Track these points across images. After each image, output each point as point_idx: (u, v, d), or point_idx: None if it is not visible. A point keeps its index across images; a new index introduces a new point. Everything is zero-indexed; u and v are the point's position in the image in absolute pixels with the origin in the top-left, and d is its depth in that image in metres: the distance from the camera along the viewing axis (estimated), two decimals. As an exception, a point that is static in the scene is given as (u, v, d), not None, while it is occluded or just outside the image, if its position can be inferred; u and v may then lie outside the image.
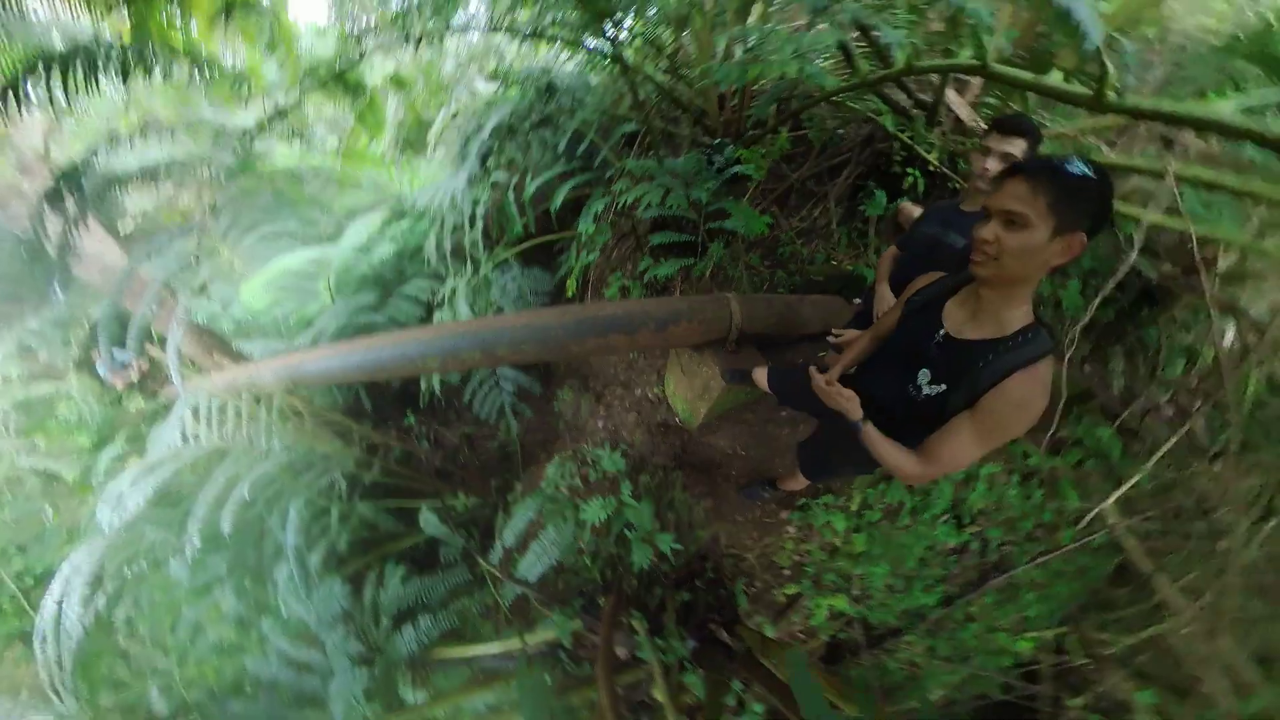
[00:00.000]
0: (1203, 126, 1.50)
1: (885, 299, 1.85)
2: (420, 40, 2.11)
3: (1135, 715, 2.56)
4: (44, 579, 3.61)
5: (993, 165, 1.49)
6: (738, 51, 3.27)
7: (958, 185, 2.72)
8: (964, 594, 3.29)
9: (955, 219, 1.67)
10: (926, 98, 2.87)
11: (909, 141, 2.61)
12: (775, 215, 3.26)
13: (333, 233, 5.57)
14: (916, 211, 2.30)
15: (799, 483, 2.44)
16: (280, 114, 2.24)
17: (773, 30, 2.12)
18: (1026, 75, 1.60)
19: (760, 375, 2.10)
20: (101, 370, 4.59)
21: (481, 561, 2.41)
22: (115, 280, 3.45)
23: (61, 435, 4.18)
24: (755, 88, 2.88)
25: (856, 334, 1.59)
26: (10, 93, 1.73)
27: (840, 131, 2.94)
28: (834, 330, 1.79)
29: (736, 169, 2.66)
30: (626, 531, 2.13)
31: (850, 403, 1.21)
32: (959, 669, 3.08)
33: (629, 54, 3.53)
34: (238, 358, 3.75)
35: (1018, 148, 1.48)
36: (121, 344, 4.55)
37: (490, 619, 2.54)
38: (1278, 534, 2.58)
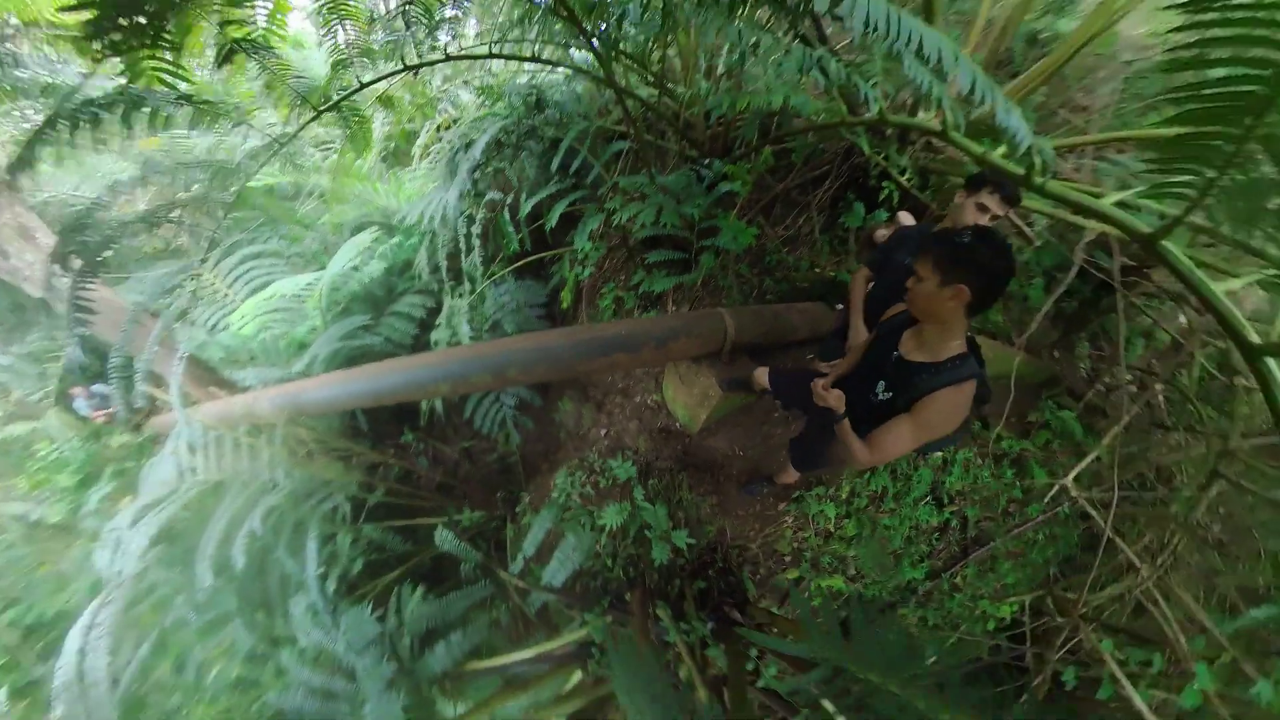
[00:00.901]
0: (1094, 215, 1.53)
1: (860, 331, 1.97)
2: (418, 70, 2.07)
3: (1105, 665, 2.73)
4: (36, 629, 3.38)
5: (982, 219, 1.62)
6: (719, 66, 3.34)
7: (923, 201, 2.87)
8: (948, 567, 3.51)
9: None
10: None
11: (883, 163, 2.73)
12: (761, 225, 3.33)
13: (318, 250, 5.39)
14: (884, 233, 2.41)
15: (791, 475, 2.56)
16: (279, 143, 2.16)
17: (752, 46, 2.18)
18: (975, 147, 1.68)
19: (761, 375, 2.19)
20: (80, 406, 4.32)
21: (503, 573, 2.41)
22: (107, 316, 3.27)
23: (42, 476, 3.92)
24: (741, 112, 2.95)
25: (843, 362, 1.84)
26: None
27: (822, 146, 3.05)
28: (823, 367, 1.92)
29: (724, 185, 2.71)
30: (646, 532, 2.18)
31: (839, 402, 1.48)
32: (949, 634, 3.27)
33: (616, 69, 3.55)
34: (230, 387, 3.60)
35: (1004, 210, 1.61)
36: (101, 378, 4.30)
37: (515, 626, 2.55)
38: (1223, 497, 2.85)
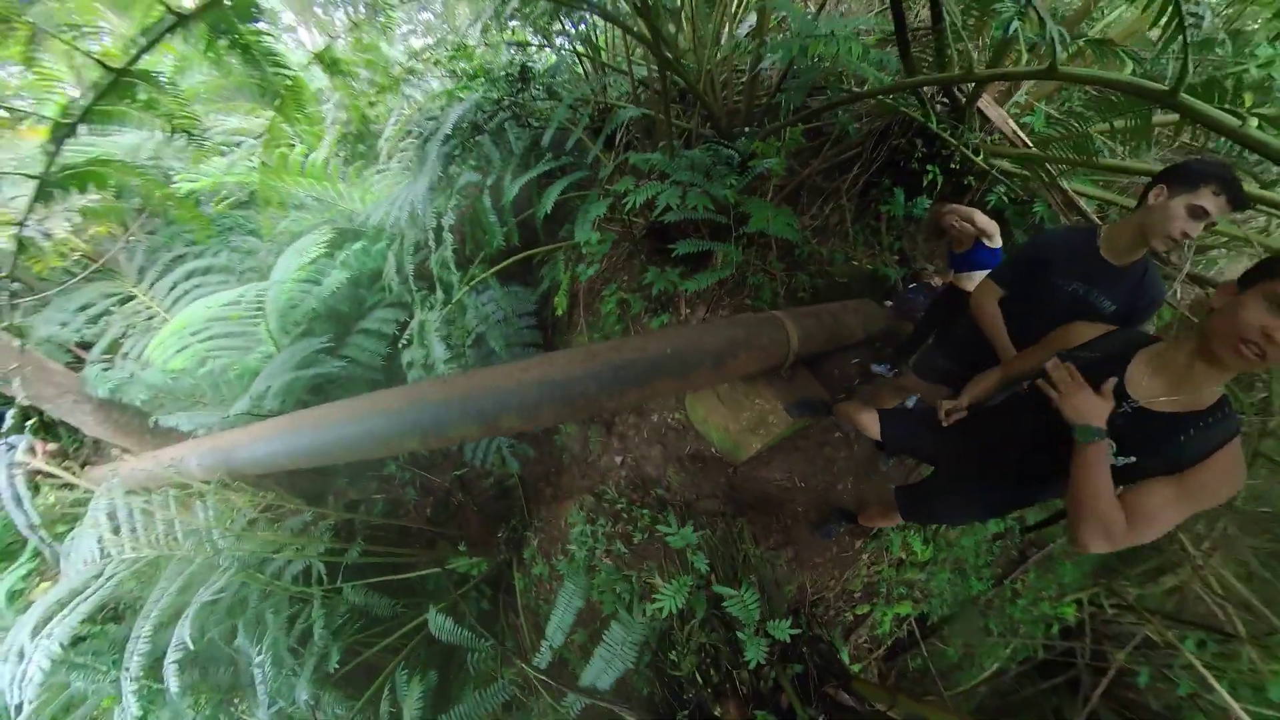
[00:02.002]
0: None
1: (1009, 349, 1.43)
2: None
3: (1178, 655, 2.56)
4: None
5: (1194, 229, 1.16)
6: (743, 29, 2.66)
7: (1011, 194, 2.29)
8: (1008, 573, 3.21)
9: (1101, 275, 1.31)
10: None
11: (953, 142, 2.11)
12: (787, 214, 2.72)
13: (275, 263, 4.56)
14: (983, 221, 1.83)
15: (891, 521, 1.96)
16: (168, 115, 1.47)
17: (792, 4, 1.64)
18: (1227, 119, 1.28)
19: (869, 420, 1.56)
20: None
21: (526, 668, 1.79)
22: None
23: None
24: (791, 71, 2.29)
25: (980, 388, 1.39)
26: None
27: (855, 125, 2.44)
28: (947, 405, 1.39)
29: (759, 164, 2.05)
30: (718, 612, 1.57)
31: (1099, 408, 1.02)
32: (1010, 640, 3.03)
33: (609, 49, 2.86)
34: (160, 436, 2.86)
35: (1225, 215, 1.16)
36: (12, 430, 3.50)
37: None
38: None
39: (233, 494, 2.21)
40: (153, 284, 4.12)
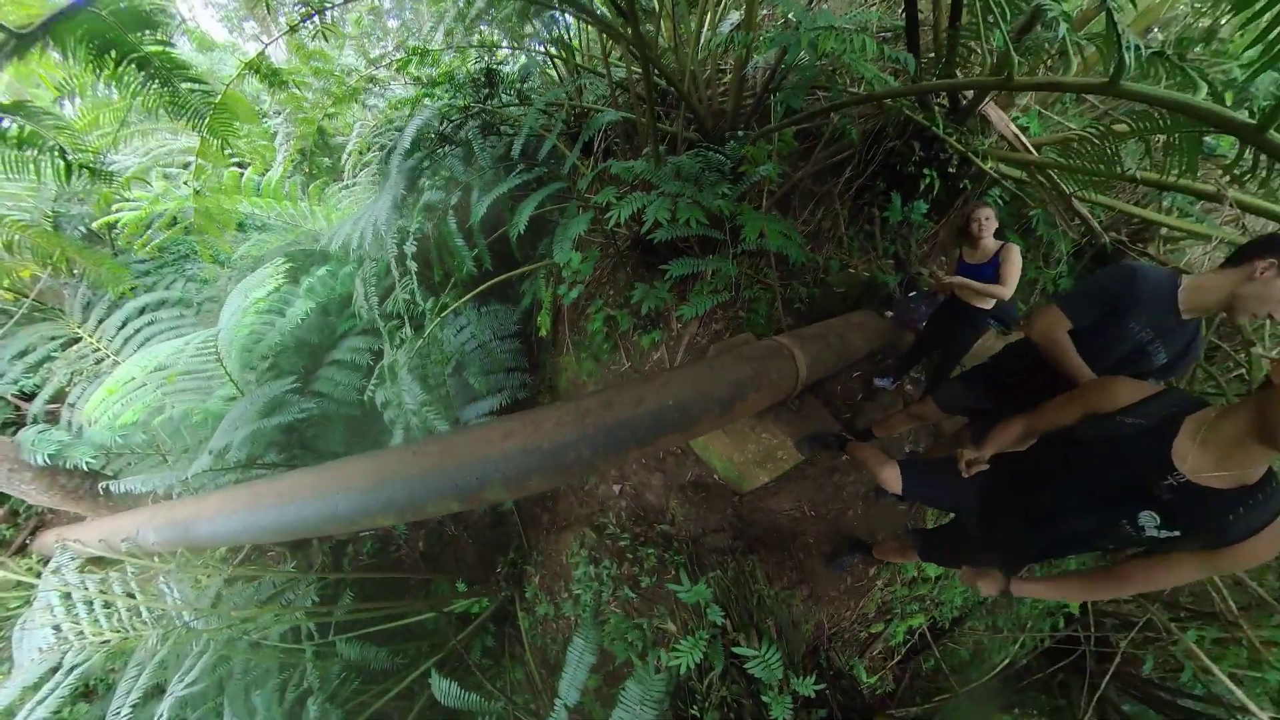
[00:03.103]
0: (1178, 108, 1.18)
1: (1088, 374, 1.29)
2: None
3: (1179, 642, 2.53)
4: None
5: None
6: (724, 28, 2.41)
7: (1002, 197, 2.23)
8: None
9: (1170, 328, 1.23)
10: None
11: (958, 146, 1.94)
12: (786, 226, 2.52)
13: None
14: (992, 223, 1.74)
15: (909, 559, 1.83)
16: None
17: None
18: (1172, 95, 1.18)
19: (890, 478, 1.42)
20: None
21: None
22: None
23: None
24: (782, 70, 2.08)
25: (1007, 436, 1.28)
26: None
27: (849, 127, 2.26)
28: (968, 455, 1.28)
29: (753, 171, 1.83)
30: (762, 695, 1.43)
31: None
32: (1019, 635, 3.01)
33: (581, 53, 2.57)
34: (115, 500, 2.56)
35: None
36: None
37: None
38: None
39: (200, 571, 1.95)
40: (100, 323, 3.71)
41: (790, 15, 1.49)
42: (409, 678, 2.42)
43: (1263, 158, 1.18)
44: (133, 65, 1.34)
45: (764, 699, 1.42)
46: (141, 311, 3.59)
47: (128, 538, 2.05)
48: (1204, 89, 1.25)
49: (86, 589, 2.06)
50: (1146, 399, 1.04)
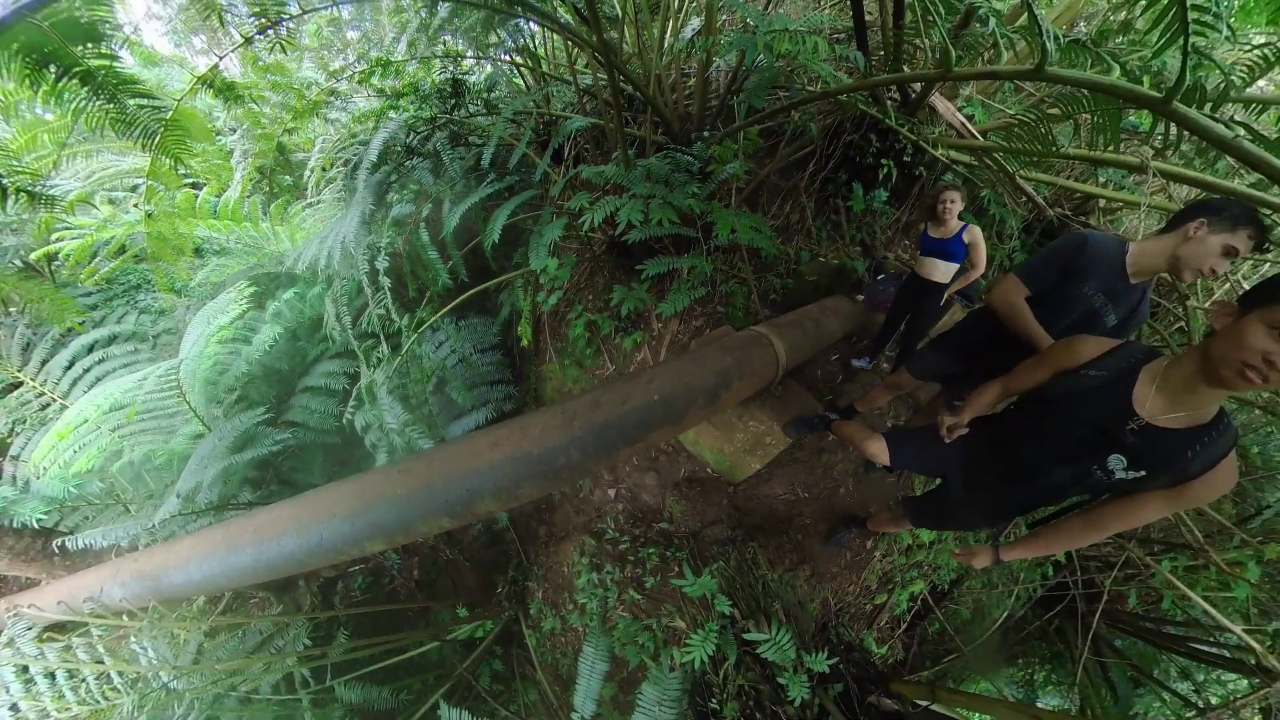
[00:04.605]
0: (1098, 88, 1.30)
1: (1045, 338, 1.37)
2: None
3: (1156, 574, 2.70)
4: None
5: (1223, 267, 1.18)
6: (687, 33, 2.46)
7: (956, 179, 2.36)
8: (1001, 531, 3.31)
9: (1120, 291, 1.33)
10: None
11: (912, 137, 2.03)
12: (756, 219, 2.58)
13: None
14: (958, 205, 1.84)
15: (903, 527, 1.89)
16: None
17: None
18: (1091, 76, 1.28)
19: (878, 450, 1.46)
20: None
21: None
22: None
23: None
24: (744, 71, 2.13)
25: (983, 400, 1.34)
26: None
27: (810, 123, 2.35)
28: (948, 421, 1.35)
29: (720, 170, 1.86)
30: (778, 677, 1.42)
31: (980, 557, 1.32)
32: (1013, 588, 3.13)
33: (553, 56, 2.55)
34: (73, 559, 2.34)
35: (1248, 250, 1.17)
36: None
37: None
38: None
39: (176, 625, 1.80)
40: (43, 364, 3.42)
41: (748, 20, 1.53)
42: (417, 714, 2.29)
43: (1173, 128, 1.28)
44: (76, 80, 1.24)
45: (780, 681, 1.43)
46: (90, 348, 3.34)
47: (91, 597, 1.88)
48: (1117, 70, 1.35)
49: (47, 659, 1.87)
50: (1107, 353, 1.10)
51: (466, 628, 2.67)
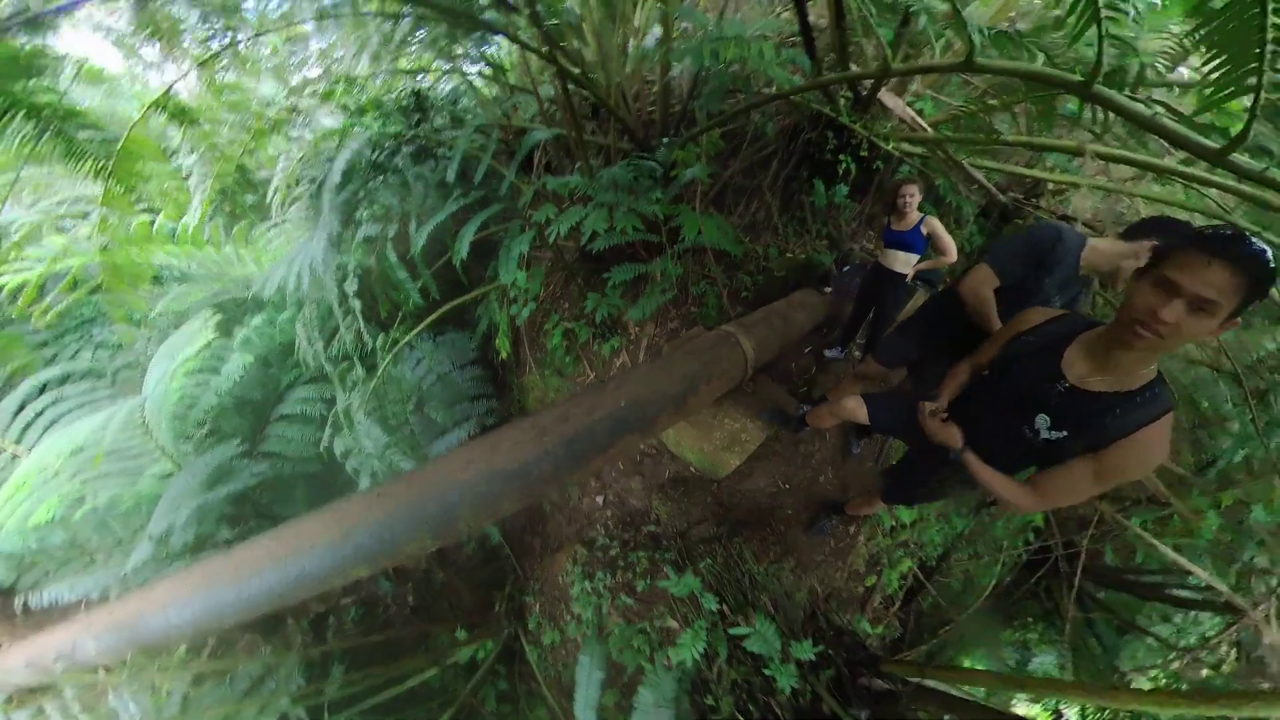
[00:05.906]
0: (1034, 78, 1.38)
1: (998, 326, 1.46)
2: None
3: (1128, 529, 2.82)
4: None
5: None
6: (649, 42, 2.51)
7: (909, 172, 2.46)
8: (981, 505, 3.43)
9: (1070, 281, 1.41)
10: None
11: (864, 133, 2.13)
12: (719, 220, 2.65)
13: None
14: (917, 198, 1.90)
15: (874, 508, 1.96)
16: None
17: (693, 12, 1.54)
18: (1017, 65, 1.40)
19: (855, 407, 1.53)
20: None
21: None
22: None
23: None
24: (702, 78, 2.19)
25: (955, 381, 1.41)
26: None
27: (769, 124, 2.42)
28: (930, 407, 1.37)
29: (683, 173, 1.91)
30: (765, 668, 1.47)
31: (953, 437, 1.25)
32: (998, 556, 3.25)
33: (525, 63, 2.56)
34: (37, 617, 2.24)
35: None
36: None
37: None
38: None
39: (158, 676, 1.74)
40: (-6, 412, 3.25)
41: (702, 28, 1.58)
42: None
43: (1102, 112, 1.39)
44: (19, 116, 1.21)
45: (767, 672, 1.47)
46: (42, 389, 3.18)
47: (61, 655, 1.80)
48: (1041, 58, 1.45)
49: (14, 720, 1.79)
50: (1047, 320, 1.18)
51: (467, 650, 2.64)
